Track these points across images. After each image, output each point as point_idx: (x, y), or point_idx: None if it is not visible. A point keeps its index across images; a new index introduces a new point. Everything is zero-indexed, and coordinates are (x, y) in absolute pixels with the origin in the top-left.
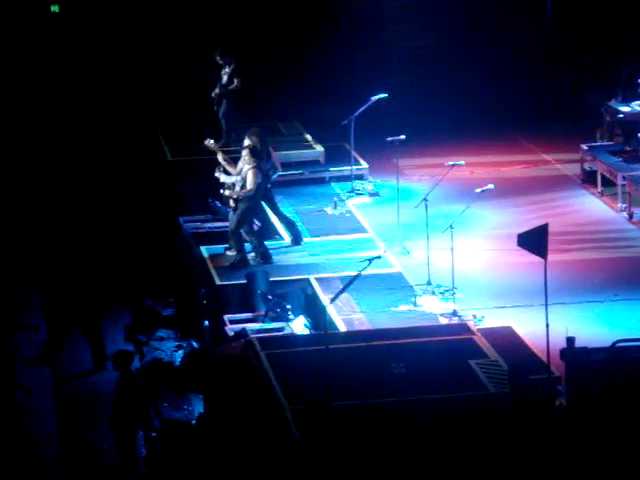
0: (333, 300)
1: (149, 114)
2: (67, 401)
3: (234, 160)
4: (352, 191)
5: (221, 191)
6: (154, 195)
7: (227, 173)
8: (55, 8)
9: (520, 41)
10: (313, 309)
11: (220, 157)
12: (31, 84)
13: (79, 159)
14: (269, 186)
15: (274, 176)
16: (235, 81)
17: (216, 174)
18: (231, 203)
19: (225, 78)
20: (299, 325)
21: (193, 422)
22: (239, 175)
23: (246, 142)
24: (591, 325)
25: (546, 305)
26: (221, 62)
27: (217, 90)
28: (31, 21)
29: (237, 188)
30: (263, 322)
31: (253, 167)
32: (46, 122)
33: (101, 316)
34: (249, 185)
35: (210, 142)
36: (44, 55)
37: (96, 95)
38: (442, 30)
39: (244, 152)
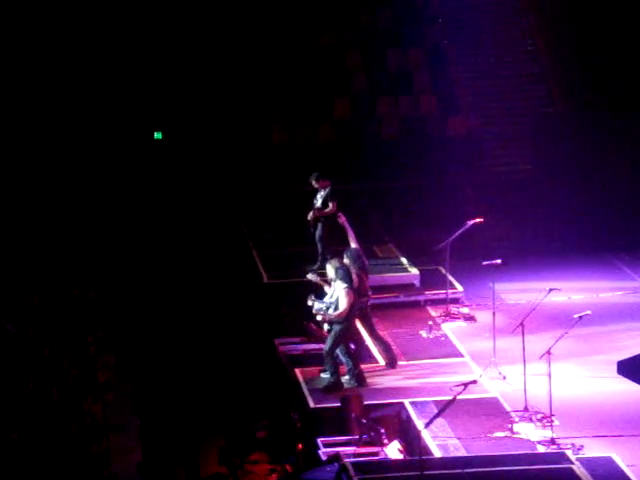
0: (428, 425)
1: (246, 236)
2: None
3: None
4: (447, 315)
5: (314, 311)
6: (250, 317)
7: (320, 298)
8: (158, 135)
9: (621, 167)
10: (407, 434)
11: (323, 285)
12: (136, 206)
13: (178, 281)
14: (369, 304)
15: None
16: (330, 205)
17: (309, 303)
18: (325, 326)
19: (320, 202)
20: (393, 450)
21: None
22: (331, 298)
23: (337, 263)
24: None
25: None
26: (317, 186)
27: (312, 213)
28: (136, 148)
29: (331, 310)
30: (357, 446)
31: (344, 288)
32: (147, 242)
33: (196, 438)
34: (341, 307)
35: (312, 276)
36: (148, 181)
37: (198, 217)
38: (540, 155)
39: (335, 273)
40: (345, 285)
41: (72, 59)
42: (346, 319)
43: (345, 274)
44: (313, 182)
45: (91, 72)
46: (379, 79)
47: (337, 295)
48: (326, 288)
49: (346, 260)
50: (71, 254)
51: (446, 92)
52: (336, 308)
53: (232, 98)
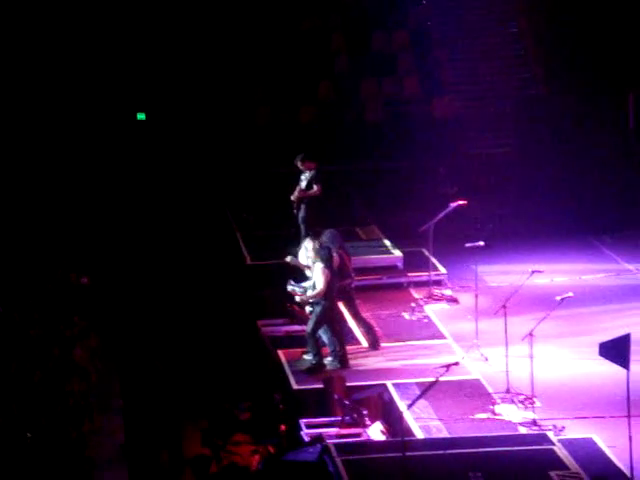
0: (410, 406)
1: (230, 217)
2: None
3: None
4: (430, 297)
5: (290, 291)
6: (232, 298)
7: (299, 282)
8: (141, 116)
9: (602, 150)
10: (390, 415)
11: (303, 269)
12: (119, 187)
13: (161, 262)
14: (353, 286)
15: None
16: (314, 187)
17: (288, 288)
18: (307, 308)
19: (304, 183)
20: (376, 431)
21: None
22: (310, 279)
23: (316, 244)
24: None
25: (629, 417)
26: (302, 167)
27: (296, 194)
28: (118, 129)
29: (310, 291)
30: (339, 427)
31: (322, 268)
32: (130, 224)
33: (179, 420)
34: (318, 286)
35: (291, 259)
36: (131, 162)
37: (179, 199)
38: (523, 137)
39: (314, 253)
40: (322, 265)
41: (54, 40)
42: (325, 299)
43: (324, 254)
44: (298, 163)
45: (73, 53)
46: (363, 61)
47: (315, 273)
48: (306, 271)
49: (323, 240)
50: (55, 235)
51: (430, 74)
52: (315, 289)
53: (216, 79)
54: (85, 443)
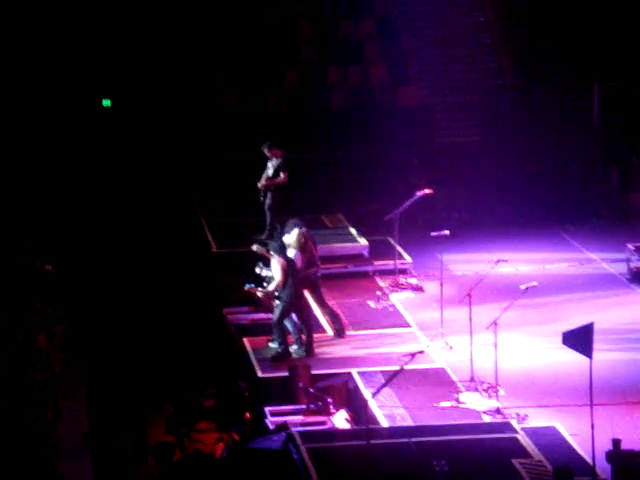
0: (375, 394)
1: (196, 205)
2: None
3: None
4: (395, 285)
5: (248, 290)
6: (198, 286)
7: (268, 266)
8: (107, 103)
9: (567, 142)
10: (355, 403)
11: (269, 257)
12: (84, 174)
13: (127, 250)
14: (318, 274)
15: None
16: (281, 174)
17: (257, 270)
18: (275, 302)
19: (271, 171)
20: (340, 419)
21: None
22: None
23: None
24: (638, 427)
25: (591, 405)
26: (269, 154)
27: (263, 182)
28: (83, 115)
29: (272, 286)
30: (304, 415)
31: (277, 259)
32: (95, 211)
33: (143, 407)
34: (276, 276)
35: (258, 248)
36: (96, 147)
37: (145, 186)
38: (490, 128)
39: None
40: (276, 256)
41: (18, 27)
42: (286, 287)
43: (276, 245)
44: (265, 150)
45: (38, 39)
46: (330, 49)
47: (272, 267)
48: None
49: (285, 230)
50: (19, 222)
51: (397, 62)
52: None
53: (182, 66)
54: (48, 430)
